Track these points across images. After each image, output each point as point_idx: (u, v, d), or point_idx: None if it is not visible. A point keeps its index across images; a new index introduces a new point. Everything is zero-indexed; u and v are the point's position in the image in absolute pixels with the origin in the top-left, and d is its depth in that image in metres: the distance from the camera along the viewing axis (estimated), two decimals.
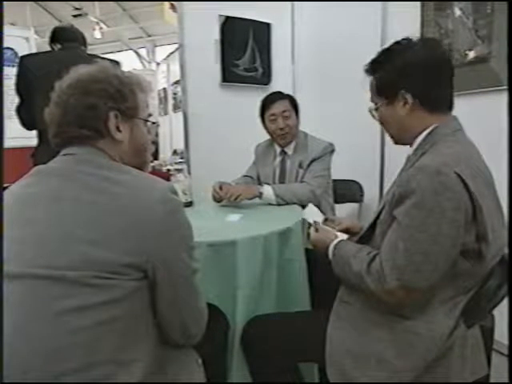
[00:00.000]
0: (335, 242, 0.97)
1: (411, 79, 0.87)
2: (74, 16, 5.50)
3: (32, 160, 1.74)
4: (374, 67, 0.94)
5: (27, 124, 1.80)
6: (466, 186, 0.74)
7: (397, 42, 0.91)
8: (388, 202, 0.86)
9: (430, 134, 0.88)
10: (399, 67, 0.88)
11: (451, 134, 0.86)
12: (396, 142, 1.00)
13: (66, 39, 1.82)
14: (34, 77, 1.66)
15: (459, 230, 0.75)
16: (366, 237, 0.97)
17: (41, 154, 1.69)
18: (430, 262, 0.76)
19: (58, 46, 1.83)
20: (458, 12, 1.68)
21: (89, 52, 1.97)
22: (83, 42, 1.90)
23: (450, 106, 0.91)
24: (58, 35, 1.84)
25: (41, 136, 1.75)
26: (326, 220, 1.16)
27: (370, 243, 0.94)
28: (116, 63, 1.70)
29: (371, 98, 0.98)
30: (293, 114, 1.67)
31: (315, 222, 1.12)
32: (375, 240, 0.91)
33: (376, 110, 0.97)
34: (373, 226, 0.93)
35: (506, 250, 0.88)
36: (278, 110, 1.65)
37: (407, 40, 0.90)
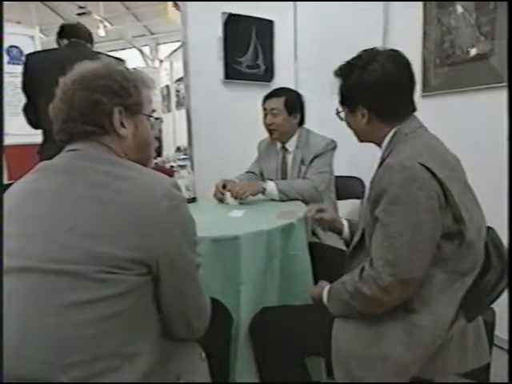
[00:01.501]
0: (327, 288, 1.00)
1: (366, 96, 0.94)
2: (79, 14, 5.52)
3: (38, 157, 1.75)
4: (339, 74, 0.99)
5: (33, 123, 1.80)
6: (432, 174, 0.78)
7: (359, 56, 0.96)
8: (367, 206, 0.91)
9: (393, 136, 0.94)
10: (356, 84, 0.94)
11: (411, 132, 0.91)
12: (361, 141, 1.07)
13: (71, 36, 1.83)
14: (39, 75, 1.66)
15: (436, 214, 0.79)
16: (358, 244, 1.00)
17: (47, 152, 1.69)
18: (417, 251, 0.79)
19: (65, 41, 1.84)
20: (460, 9, 1.67)
21: (93, 50, 1.98)
22: (89, 39, 1.91)
23: (412, 110, 0.96)
24: (65, 32, 1.85)
25: (46, 134, 1.76)
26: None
27: (363, 250, 0.96)
28: (121, 61, 1.72)
29: (339, 101, 1.03)
30: (282, 114, 1.66)
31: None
32: (367, 244, 0.94)
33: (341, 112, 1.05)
34: (362, 233, 0.96)
35: (485, 230, 0.91)
36: (268, 107, 1.68)
37: (370, 54, 0.94)
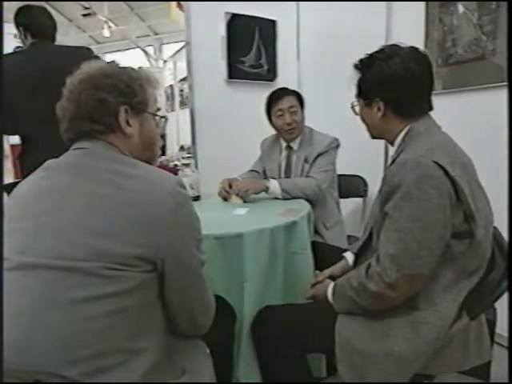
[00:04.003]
0: (332, 284, 1.00)
1: (385, 90, 0.93)
2: (84, 15, 5.55)
3: (19, 162, 1.61)
4: (359, 67, 0.99)
5: (7, 130, 1.61)
6: (445, 172, 0.79)
7: (381, 50, 0.95)
8: (378, 202, 0.91)
9: (406, 133, 0.93)
10: (375, 77, 0.94)
11: (425, 130, 0.91)
12: (373, 137, 1.06)
13: (36, 33, 1.63)
14: (9, 81, 1.40)
15: (447, 213, 0.79)
16: (365, 243, 1.00)
17: (28, 161, 1.55)
18: (425, 248, 0.79)
19: (29, 37, 1.63)
20: (461, 9, 1.67)
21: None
22: (54, 29, 1.70)
23: (428, 109, 0.96)
24: (27, 24, 1.62)
25: (25, 140, 1.61)
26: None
27: (370, 248, 0.97)
28: (87, 49, 1.65)
29: (355, 95, 1.03)
30: (299, 110, 1.68)
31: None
32: (374, 242, 0.94)
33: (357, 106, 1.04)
34: (371, 231, 0.97)
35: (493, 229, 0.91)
36: (285, 106, 1.65)
37: (392, 48, 0.94)
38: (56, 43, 1.78)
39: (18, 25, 1.65)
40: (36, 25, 1.64)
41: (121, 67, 0.77)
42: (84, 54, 1.61)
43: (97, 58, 1.57)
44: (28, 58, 1.60)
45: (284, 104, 1.65)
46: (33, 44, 1.65)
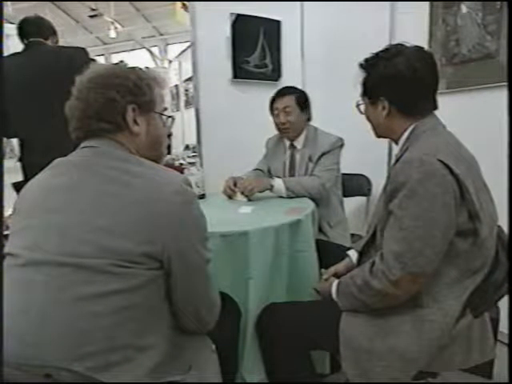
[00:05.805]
0: (336, 282, 1.01)
1: (389, 89, 0.94)
2: (91, 16, 5.60)
3: (20, 164, 1.66)
4: (364, 66, 0.99)
5: (8, 132, 1.63)
6: (450, 171, 0.79)
7: (386, 49, 0.96)
8: (382, 200, 0.91)
9: (411, 132, 0.93)
10: (380, 76, 0.94)
11: (430, 129, 0.91)
12: (378, 136, 1.06)
13: (29, 34, 1.70)
14: (6, 83, 1.45)
15: (451, 211, 0.79)
16: (369, 242, 1.01)
17: (27, 163, 1.63)
18: (429, 246, 0.80)
19: (25, 41, 1.71)
20: (464, 9, 1.67)
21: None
22: (52, 31, 1.77)
23: (433, 108, 0.96)
24: (23, 31, 1.71)
25: (21, 144, 1.67)
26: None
27: (374, 246, 0.97)
28: (82, 50, 1.66)
29: (360, 94, 1.03)
30: (295, 111, 1.67)
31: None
32: (378, 240, 0.94)
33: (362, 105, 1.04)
34: (375, 229, 0.97)
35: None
36: (280, 106, 1.67)
37: (397, 48, 0.94)
38: (62, 44, 1.79)
39: (19, 36, 1.72)
40: (26, 29, 1.70)
41: (129, 67, 0.79)
42: (76, 54, 1.63)
43: (92, 60, 1.61)
44: (18, 60, 1.63)
45: (279, 103, 1.68)
46: (25, 47, 1.69)
